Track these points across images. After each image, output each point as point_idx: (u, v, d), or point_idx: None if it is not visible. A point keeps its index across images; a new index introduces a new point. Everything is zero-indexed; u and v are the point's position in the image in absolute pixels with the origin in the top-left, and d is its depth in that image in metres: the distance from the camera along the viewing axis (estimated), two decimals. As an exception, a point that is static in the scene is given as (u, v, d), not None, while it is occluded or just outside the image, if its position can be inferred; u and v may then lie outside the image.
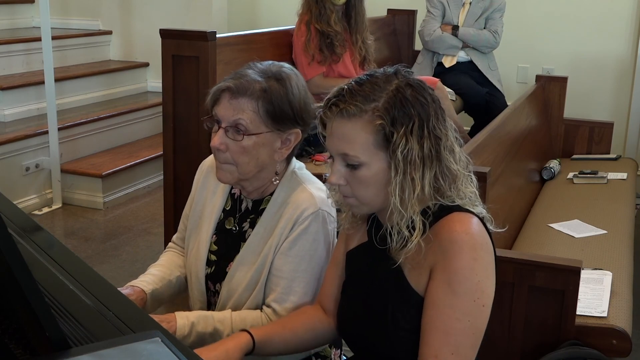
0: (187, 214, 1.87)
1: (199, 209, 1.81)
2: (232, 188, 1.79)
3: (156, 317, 1.58)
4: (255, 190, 1.72)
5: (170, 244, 1.96)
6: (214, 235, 1.78)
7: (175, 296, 1.87)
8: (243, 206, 1.76)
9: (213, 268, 1.77)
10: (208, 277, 1.77)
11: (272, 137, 1.64)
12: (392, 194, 1.37)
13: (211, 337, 1.64)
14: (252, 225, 1.73)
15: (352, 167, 1.39)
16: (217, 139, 1.62)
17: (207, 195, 1.81)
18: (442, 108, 1.43)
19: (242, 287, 1.69)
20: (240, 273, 1.70)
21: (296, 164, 1.75)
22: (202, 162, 1.87)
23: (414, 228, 1.38)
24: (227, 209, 1.79)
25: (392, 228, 1.40)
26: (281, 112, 1.62)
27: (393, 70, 1.43)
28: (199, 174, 1.86)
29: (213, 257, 1.77)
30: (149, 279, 1.81)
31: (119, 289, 1.70)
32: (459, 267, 1.35)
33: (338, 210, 1.58)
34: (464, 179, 1.44)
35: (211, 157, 1.79)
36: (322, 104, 1.44)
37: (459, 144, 1.46)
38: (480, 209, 1.45)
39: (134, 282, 1.79)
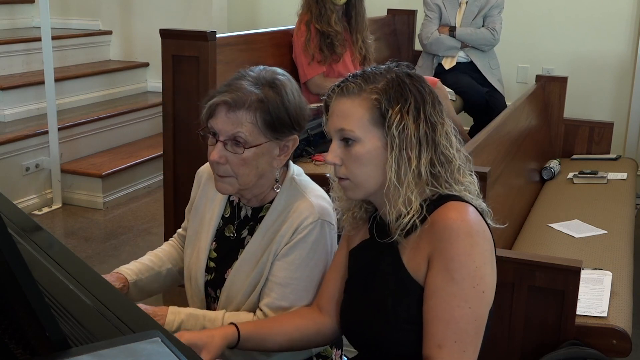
0: (189, 208, 1.87)
1: (199, 217, 1.81)
2: (230, 195, 1.79)
3: (148, 309, 1.58)
4: (254, 197, 1.72)
5: (175, 235, 1.96)
6: (214, 242, 1.78)
7: (164, 289, 1.88)
8: (242, 214, 1.76)
9: (212, 275, 1.77)
10: (208, 283, 1.78)
11: (271, 146, 1.64)
12: (388, 171, 1.40)
13: None
14: (251, 233, 1.72)
15: (347, 143, 1.43)
16: (216, 152, 1.61)
17: (207, 203, 1.81)
18: (440, 103, 1.47)
19: (241, 293, 1.70)
20: (239, 279, 1.70)
21: (295, 169, 1.75)
22: (199, 170, 1.87)
23: (410, 206, 1.40)
24: (227, 216, 1.78)
25: (389, 206, 1.43)
26: (279, 120, 1.61)
27: (395, 65, 1.49)
28: (197, 181, 1.86)
29: (212, 264, 1.77)
30: (136, 268, 1.81)
31: (103, 275, 1.70)
32: (455, 253, 1.36)
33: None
34: (463, 169, 1.46)
35: (207, 165, 1.79)
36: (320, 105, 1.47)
37: (458, 141, 1.48)
38: (479, 202, 1.47)
39: (120, 269, 1.80)
